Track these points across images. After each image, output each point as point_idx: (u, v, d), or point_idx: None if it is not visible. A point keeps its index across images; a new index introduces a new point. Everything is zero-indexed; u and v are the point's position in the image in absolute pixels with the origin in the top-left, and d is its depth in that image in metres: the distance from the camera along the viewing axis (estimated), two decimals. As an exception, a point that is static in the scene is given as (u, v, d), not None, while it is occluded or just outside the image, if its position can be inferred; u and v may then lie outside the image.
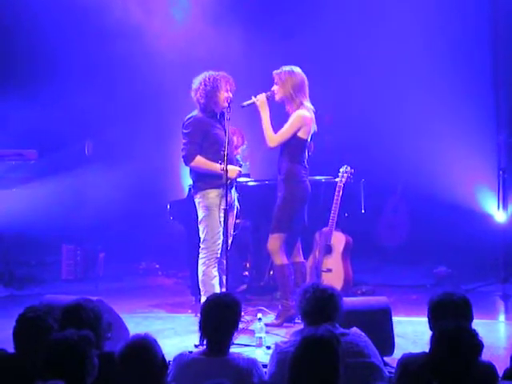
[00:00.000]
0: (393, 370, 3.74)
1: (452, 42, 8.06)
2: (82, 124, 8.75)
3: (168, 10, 8.52)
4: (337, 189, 6.54)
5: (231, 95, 5.72)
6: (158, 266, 8.73)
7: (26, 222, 7.81)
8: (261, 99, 5.82)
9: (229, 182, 5.57)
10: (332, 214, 6.55)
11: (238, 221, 6.17)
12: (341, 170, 6.62)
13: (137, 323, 5.98)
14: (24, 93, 8.43)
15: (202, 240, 5.75)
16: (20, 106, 8.31)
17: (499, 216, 7.76)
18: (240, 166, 6.20)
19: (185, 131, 5.74)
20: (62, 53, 8.46)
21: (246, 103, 5.87)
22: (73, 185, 8.29)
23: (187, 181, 7.32)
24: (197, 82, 5.74)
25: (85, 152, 8.95)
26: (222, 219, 5.62)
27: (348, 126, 8.50)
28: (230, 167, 5.55)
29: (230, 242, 5.65)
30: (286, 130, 5.81)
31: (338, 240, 6.71)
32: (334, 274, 6.66)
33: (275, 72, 5.87)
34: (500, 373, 3.44)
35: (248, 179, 7.04)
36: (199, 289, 5.81)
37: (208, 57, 7.75)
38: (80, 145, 8.97)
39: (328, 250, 6.71)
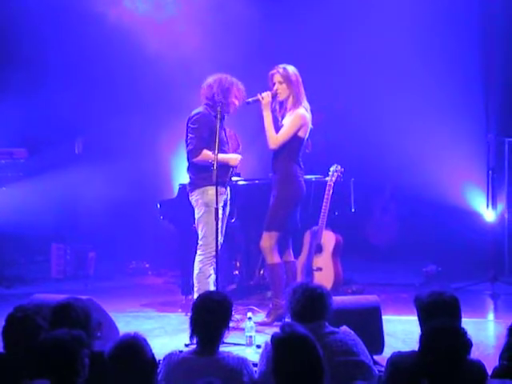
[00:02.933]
0: (382, 369, 3.75)
1: (442, 41, 8.09)
2: (72, 122, 8.72)
3: (159, 6, 8.49)
4: (327, 188, 6.55)
5: (237, 104, 5.77)
6: (148, 265, 8.71)
7: (16, 220, 7.79)
8: (267, 98, 5.80)
9: (231, 169, 5.76)
10: (322, 213, 6.56)
11: (232, 220, 6.23)
12: (331, 168, 6.63)
13: (127, 322, 5.97)
14: (14, 91, 8.39)
15: (200, 237, 5.74)
16: (9, 104, 8.28)
17: (488, 215, 7.79)
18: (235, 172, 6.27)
19: (192, 126, 5.75)
20: (52, 51, 8.43)
21: (251, 99, 5.84)
22: (63, 183, 8.25)
23: (177, 180, 7.34)
24: (211, 79, 5.77)
25: (75, 150, 8.93)
26: (220, 216, 5.62)
27: (338, 125, 8.51)
28: (232, 155, 5.82)
29: (221, 240, 5.68)
30: (288, 131, 5.80)
31: (328, 239, 6.72)
32: (324, 272, 6.67)
33: (279, 71, 5.83)
34: (489, 371, 3.45)
35: (238, 178, 7.04)
36: (189, 288, 5.81)
37: (201, 55, 7.74)
38: (70, 143, 8.95)
39: (318, 248, 6.72)
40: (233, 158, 5.86)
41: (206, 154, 5.68)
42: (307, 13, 8.37)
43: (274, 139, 5.80)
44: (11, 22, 8.54)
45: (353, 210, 7.21)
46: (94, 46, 8.35)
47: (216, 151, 5.49)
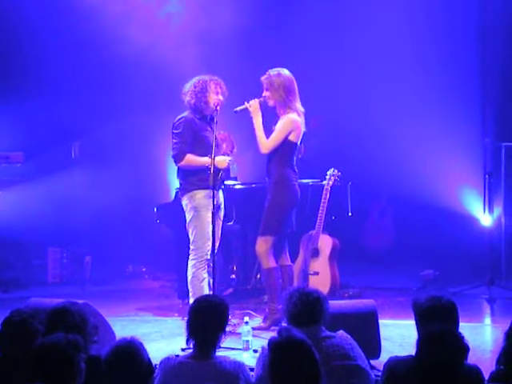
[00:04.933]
0: (379, 373, 3.76)
1: (439, 44, 8.10)
2: (69, 126, 8.72)
3: (156, 13, 8.50)
4: (324, 192, 6.56)
5: (222, 98, 5.75)
6: (144, 269, 8.71)
7: (12, 224, 7.78)
8: (254, 105, 5.81)
9: (220, 172, 5.61)
10: (319, 217, 6.57)
11: (229, 223, 6.21)
12: (328, 172, 6.64)
13: (123, 326, 5.96)
14: (10, 95, 8.39)
15: (191, 242, 5.74)
16: (6, 108, 8.27)
17: (485, 219, 7.79)
18: (229, 174, 6.20)
19: (175, 131, 5.75)
20: (49, 55, 8.43)
21: (238, 108, 5.85)
22: (59, 187, 8.25)
23: (174, 184, 7.33)
24: (188, 84, 5.79)
25: (71, 154, 8.92)
26: (209, 220, 5.61)
27: (335, 129, 8.52)
28: (218, 158, 5.62)
29: (216, 244, 5.67)
30: (277, 135, 5.80)
31: (325, 243, 6.72)
32: (320, 277, 6.66)
33: (264, 77, 5.87)
34: (486, 376, 3.45)
35: (235, 182, 7.04)
36: (186, 292, 5.80)
37: (198, 60, 7.75)
38: (67, 147, 8.93)
39: (315, 253, 6.72)
40: (219, 160, 5.68)
41: (189, 158, 5.68)
42: (302, 16, 8.37)
43: (265, 144, 5.80)
44: (8, 27, 8.54)
45: (350, 214, 7.21)
46: (91, 49, 8.35)
47: (213, 155, 5.48)
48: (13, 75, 8.65)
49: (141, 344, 3.30)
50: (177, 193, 6.72)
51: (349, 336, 3.99)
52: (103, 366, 3.23)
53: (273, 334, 3.31)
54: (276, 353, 3.09)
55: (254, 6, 8.18)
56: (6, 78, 8.64)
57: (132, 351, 3.24)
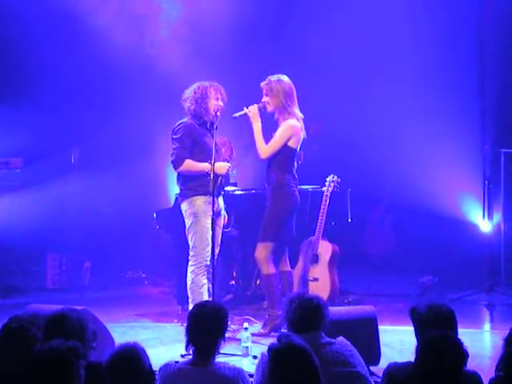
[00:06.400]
0: (379, 380, 3.75)
1: (439, 51, 8.12)
2: (68, 132, 8.73)
3: (155, 20, 8.51)
4: (323, 198, 6.56)
5: (221, 104, 5.75)
6: (144, 275, 8.69)
7: (11, 230, 7.77)
8: (253, 111, 5.82)
9: (219, 178, 5.60)
10: (319, 223, 6.56)
11: (227, 229, 6.21)
12: (327, 179, 6.64)
13: (122, 333, 5.95)
14: (9, 101, 8.39)
15: (190, 248, 5.73)
16: (5, 113, 8.28)
17: (484, 226, 7.80)
18: (229, 180, 6.18)
19: (174, 136, 5.75)
20: (48, 62, 8.43)
21: (238, 114, 5.86)
22: (58, 193, 8.25)
23: (174, 189, 7.34)
24: (188, 91, 5.80)
25: (71, 160, 8.92)
26: (208, 226, 5.61)
27: (334, 135, 8.52)
28: (218, 164, 5.59)
29: (217, 251, 5.66)
30: (277, 141, 5.81)
31: (325, 249, 6.72)
32: (320, 283, 6.66)
33: (263, 83, 5.89)
34: (485, 382, 3.44)
35: (235, 188, 7.04)
36: (185, 298, 5.80)
37: (197, 66, 7.77)
38: (66, 153, 8.94)
39: (315, 259, 6.71)
40: (219, 166, 5.65)
41: (189, 164, 5.68)
42: (302, 20, 8.39)
43: (264, 149, 5.81)
44: (7, 33, 8.55)
45: (349, 221, 7.22)
46: (88, 55, 8.36)
47: (212, 160, 5.50)
48: (11, 81, 8.66)
49: (143, 349, 3.30)
50: (176, 198, 6.73)
51: (348, 342, 3.99)
52: (104, 371, 3.22)
53: (272, 340, 3.31)
54: (276, 359, 3.09)
55: (253, 9, 8.20)
56: (4, 84, 8.64)
57: (134, 356, 3.24)
